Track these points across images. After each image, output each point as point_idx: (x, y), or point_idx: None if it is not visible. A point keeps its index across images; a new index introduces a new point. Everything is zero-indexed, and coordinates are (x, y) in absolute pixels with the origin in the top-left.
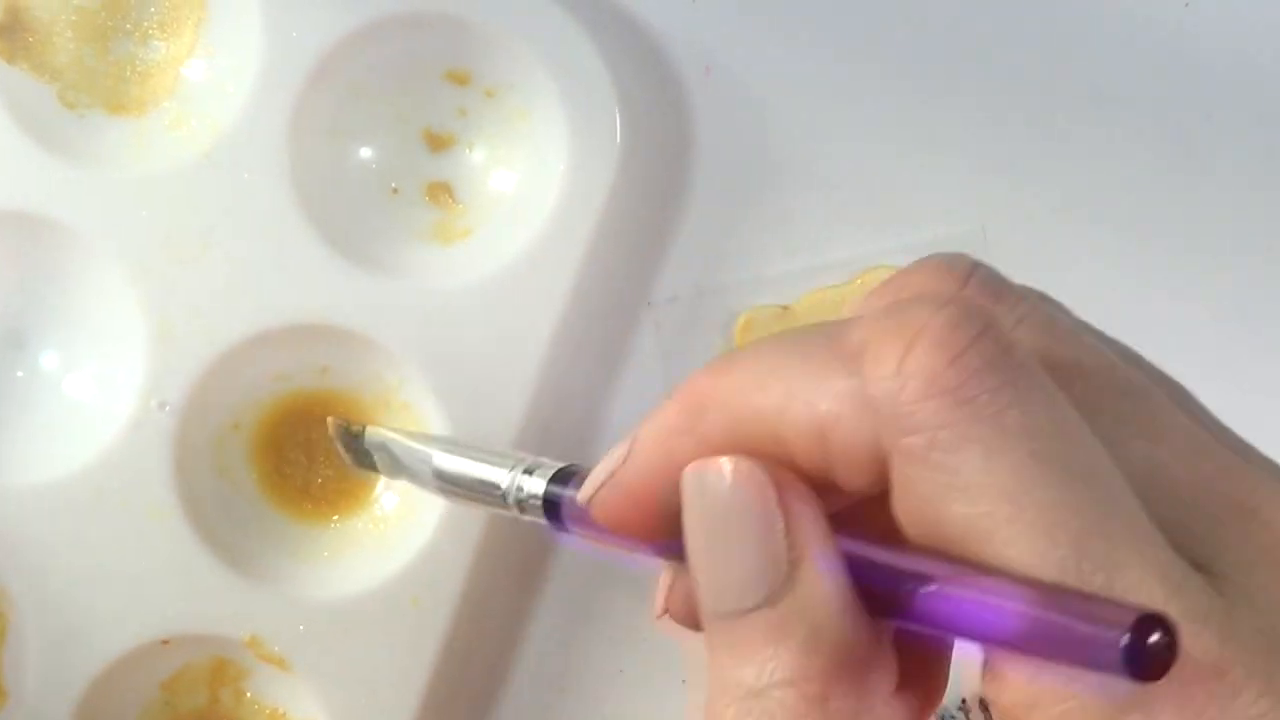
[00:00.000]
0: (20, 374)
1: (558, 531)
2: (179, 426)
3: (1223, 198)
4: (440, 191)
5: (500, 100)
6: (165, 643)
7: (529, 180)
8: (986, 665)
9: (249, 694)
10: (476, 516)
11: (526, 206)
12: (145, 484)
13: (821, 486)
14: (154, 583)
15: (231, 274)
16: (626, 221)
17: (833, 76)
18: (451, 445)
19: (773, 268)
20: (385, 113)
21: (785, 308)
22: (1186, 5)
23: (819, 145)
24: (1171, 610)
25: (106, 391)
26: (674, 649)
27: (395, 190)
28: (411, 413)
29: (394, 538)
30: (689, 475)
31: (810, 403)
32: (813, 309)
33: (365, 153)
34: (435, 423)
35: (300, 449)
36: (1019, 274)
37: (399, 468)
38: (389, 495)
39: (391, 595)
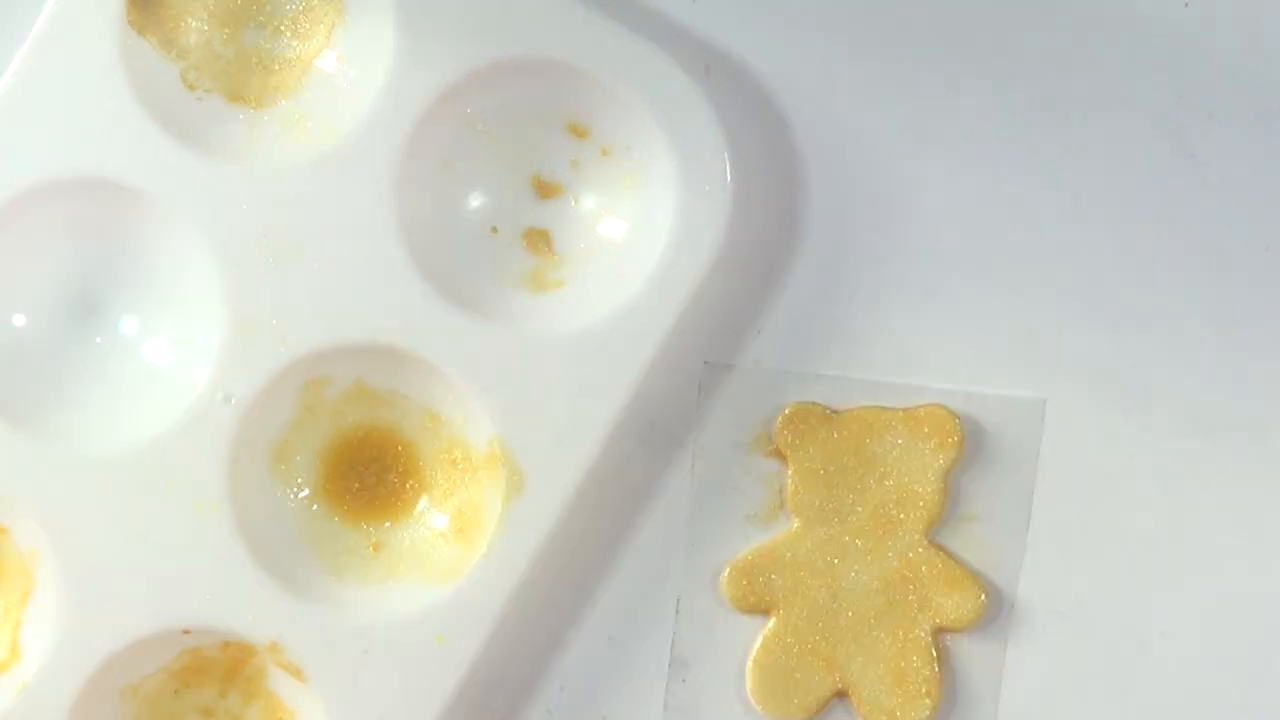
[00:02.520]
0: (99, 340)
1: None
2: (240, 422)
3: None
4: (538, 239)
5: (614, 160)
6: (186, 632)
7: (629, 241)
8: None
9: (258, 697)
10: (515, 566)
11: (624, 267)
12: (196, 473)
13: None
14: (186, 572)
15: (319, 282)
16: (721, 292)
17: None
18: None
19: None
20: (499, 152)
21: (834, 412)
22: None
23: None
24: None
25: (175, 375)
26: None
27: (494, 230)
28: (471, 459)
29: (432, 571)
30: None
31: None
32: (858, 422)
33: (472, 187)
34: (491, 466)
35: (356, 468)
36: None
37: None
38: (436, 518)
39: (419, 628)
